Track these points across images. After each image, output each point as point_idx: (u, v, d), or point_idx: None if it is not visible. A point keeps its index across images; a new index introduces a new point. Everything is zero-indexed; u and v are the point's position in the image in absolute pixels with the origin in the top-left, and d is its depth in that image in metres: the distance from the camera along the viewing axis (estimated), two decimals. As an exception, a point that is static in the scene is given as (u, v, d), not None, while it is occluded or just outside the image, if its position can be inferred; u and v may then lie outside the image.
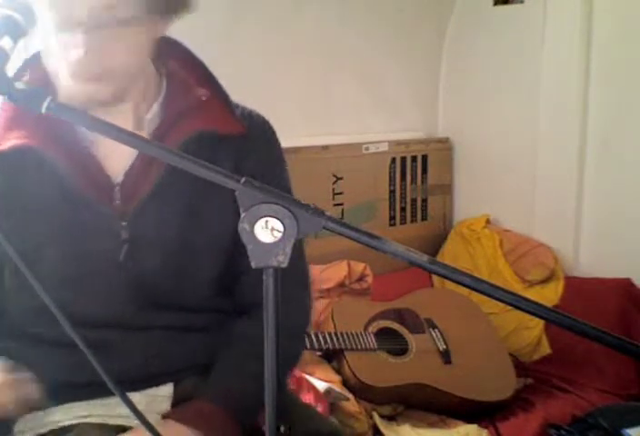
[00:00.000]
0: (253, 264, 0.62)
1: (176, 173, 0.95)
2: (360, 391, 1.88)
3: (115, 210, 1.03)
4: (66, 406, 1.04)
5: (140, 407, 1.01)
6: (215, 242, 1.07)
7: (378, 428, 1.84)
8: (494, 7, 2.65)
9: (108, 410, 1.03)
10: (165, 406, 1.06)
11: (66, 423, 1.03)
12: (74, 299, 1.02)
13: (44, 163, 0.99)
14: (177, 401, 1.07)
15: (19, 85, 0.70)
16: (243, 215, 0.62)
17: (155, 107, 1.06)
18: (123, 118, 1.03)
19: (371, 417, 1.87)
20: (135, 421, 1.03)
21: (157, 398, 1.07)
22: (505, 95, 2.66)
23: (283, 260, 0.62)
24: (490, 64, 2.69)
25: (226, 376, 1.06)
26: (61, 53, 0.93)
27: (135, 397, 1.04)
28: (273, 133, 1.15)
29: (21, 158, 0.99)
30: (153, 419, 1.03)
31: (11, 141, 0.98)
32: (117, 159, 1.04)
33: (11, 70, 1.04)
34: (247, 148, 1.09)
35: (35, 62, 1.03)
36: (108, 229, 1.02)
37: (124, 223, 1.02)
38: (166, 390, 1.08)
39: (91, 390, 0.99)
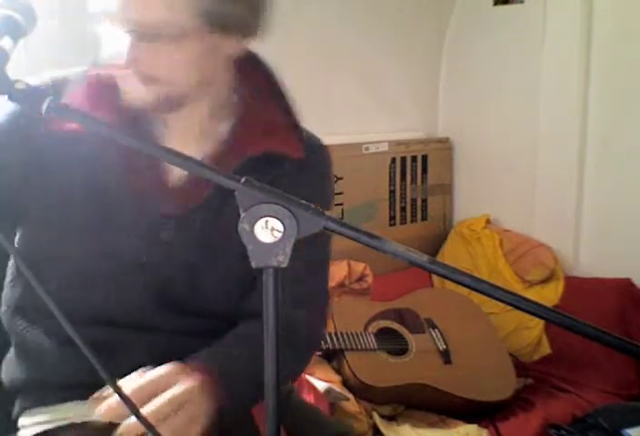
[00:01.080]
0: (253, 264, 0.62)
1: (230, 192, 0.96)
2: (360, 391, 1.88)
3: (160, 213, 1.02)
4: (72, 403, 1.04)
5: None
6: (242, 259, 1.07)
7: (378, 428, 1.84)
8: (494, 7, 2.65)
9: None
10: None
11: (75, 421, 1.03)
12: (91, 295, 1.02)
13: (107, 152, 0.97)
14: None
15: (19, 85, 0.70)
16: (243, 215, 0.62)
17: (225, 125, 1.06)
18: (184, 128, 1.04)
19: (371, 417, 1.87)
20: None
21: None
22: (505, 95, 2.66)
23: (283, 260, 0.62)
24: (490, 64, 2.69)
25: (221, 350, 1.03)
26: (116, 54, 0.93)
27: None
28: (327, 156, 1.16)
29: (75, 145, 0.97)
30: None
31: (70, 126, 0.95)
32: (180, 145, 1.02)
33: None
34: (304, 171, 1.09)
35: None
36: (147, 230, 1.02)
37: (166, 226, 1.02)
38: None
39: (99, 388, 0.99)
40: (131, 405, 0.70)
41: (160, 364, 1.05)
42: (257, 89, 1.09)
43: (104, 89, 0.99)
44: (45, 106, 0.69)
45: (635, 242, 2.39)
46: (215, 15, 0.93)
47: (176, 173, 1.03)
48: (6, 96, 0.73)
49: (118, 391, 0.69)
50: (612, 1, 2.39)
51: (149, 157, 0.99)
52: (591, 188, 2.50)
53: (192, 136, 1.05)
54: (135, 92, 0.95)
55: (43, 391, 1.05)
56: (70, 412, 1.04)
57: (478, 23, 2.70)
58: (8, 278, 1.09)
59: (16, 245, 1.02)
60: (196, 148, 1.04)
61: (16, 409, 1.09)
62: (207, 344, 1.06)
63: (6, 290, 1.09)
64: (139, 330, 1.04)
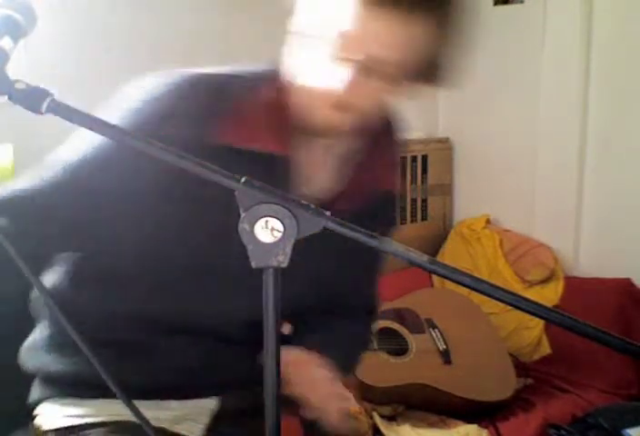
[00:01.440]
0: (253, 264, 0.62)
1: (360, 214, 0.99)
2: (360, 391, 1.88)
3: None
4: (106, 401, 1.03)
5: (176, 413, 1.04)
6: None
7: (378, 428, 1.84)
8: (494, 7, 2.65)
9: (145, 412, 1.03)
10: (206, 418, 1.07)
11: (99, 419, 1.03)
12: (161, 300, 1.02)
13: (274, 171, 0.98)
14: (220, 414, 1.08)
15: (19, 85, 0.70)
16: (243, 215, 0.62)
17: (357, 158, 1.09)
18: (324, 152, 1.06)
19: (371, 417, 1.87)
20: (176, 425, 1.04)
21: (199, 409, 1.07)
22: (505, 95, 2.66)
23: (283, 260, 0.62)
24: (490, 64, 2.69)
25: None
26: (324, 77, 0.94)
27: (172, 404, 1.05)
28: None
29: (257, 159, 0.97)
30: (189, 426, 1.06)
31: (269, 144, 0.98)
32: (314, 176, 1.05)
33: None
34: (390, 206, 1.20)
35: (268, 77, 1.04)
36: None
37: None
38: (212, 403, 1.08)
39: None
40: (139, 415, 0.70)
41: (204, 373, 1.06)
42: (389, 139, 1.18)
43: (280, 105, 1.00)
44: (44, 106, 0.69)
45: (635, 242, 2.39)
46: (433, 67, 0.99)
47: (311, 189, 1.06)
48: (6, 96, 0.73)
49: (130, 406, 0.68)
50: (612, 1, 2.39)
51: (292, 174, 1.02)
52: (591, 188, 2.51)
53: (324, 162, 1.07)
54: (326, 116, 0.96)
55: (75, 385, 1.04)
56: (101, 410, 1.04)
57: (478, 23, 2.69)
58: (68, 269, 1.08)
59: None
60: (329, 181, 1.07)
61: (35, 395, 1.08)
62: (254, 354, 1.06)
63: (64, 282, 1.07)
64: (190, 335, 1.04)
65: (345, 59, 0.91)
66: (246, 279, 0.98)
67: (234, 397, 1.09)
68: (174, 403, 1.05)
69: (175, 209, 0.97)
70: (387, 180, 1.14)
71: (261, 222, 0.61)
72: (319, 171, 1.07)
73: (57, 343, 1.07)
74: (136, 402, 1.01)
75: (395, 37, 0.91)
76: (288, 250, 0.61)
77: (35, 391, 1.09)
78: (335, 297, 1.13)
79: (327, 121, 0.96)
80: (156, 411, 1.02)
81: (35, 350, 1.09)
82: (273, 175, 0.92)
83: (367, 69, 0.92)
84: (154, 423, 1.01)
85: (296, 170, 1.03)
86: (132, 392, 0.95)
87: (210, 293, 1.02)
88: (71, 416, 1.04)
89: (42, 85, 0.70)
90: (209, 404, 1.08)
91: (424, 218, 2.80)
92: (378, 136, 1.11)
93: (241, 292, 1.00)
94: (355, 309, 1.21)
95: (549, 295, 2.45)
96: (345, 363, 1.12)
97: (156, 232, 0.98)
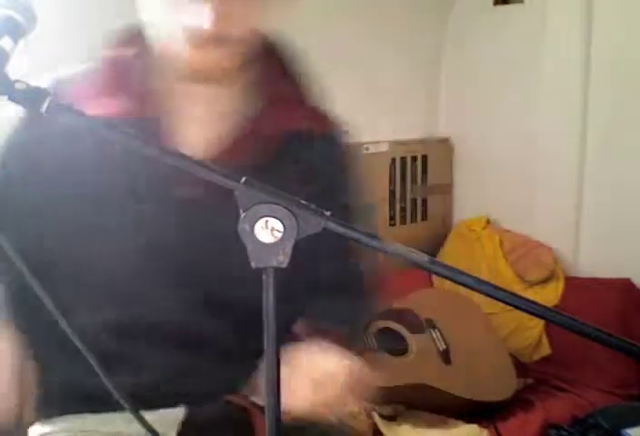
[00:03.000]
0: (253, 264, 0.62)
1: (279, 158, 0.97)
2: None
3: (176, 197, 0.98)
4: (71, 417, 1.02)
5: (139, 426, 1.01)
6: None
7: (378, 428, 1.84)
8: (494, 7, 2.65)
9: (113, 425, 1.00)
10: (172, 431, 1.01)
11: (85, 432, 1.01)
12: (119, 304, 0.98)
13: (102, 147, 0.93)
14: (188, 427, 1.02)
15: (19, 85, 0.70)
16: (243, 215, 0.62)
17: (253, 105, 1.03)
18: (211, 108, 1.01)
19: (371, 417, 1.87)
20: None
21: (164, 421, 1.00)
22: (505, 95, 2.66)
23: (283, 260, 0.61)
24: (490, 63, 2.69)
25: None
26: (183, 19, 0.89)
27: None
28: (346, 138, 1.16)
29: (80, 138, 0.91)
30: None
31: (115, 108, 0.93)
32: (200, 139, 1.00)
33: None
34: (327, 145, 1.09)
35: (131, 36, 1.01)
36: (167, 223, 0.98)
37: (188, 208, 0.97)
38: (176, 413, 1.02)
39: (97, 403, 0.95)
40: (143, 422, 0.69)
41: (172, 382, 1.01)
42: (282, 71, 1.07)
43: (119, 72, 0.97)
44: (45, 106, 0.68)
45: (635, 242, 2.39)
46: None
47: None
48: (6, 96, 0.73)
49: (131, 410, 0.68)
50: (612, 1, 2.39)
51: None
52: (591, 188, 2.51)
53: (212, 120, 1.01)
54: (200, 56, 0.91)
55: (39, 406, 1.03)
56: (65, 426, 1.02)
57: (478, 23, 2.70)
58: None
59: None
60: (227, 127, 1.01)
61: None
62: (228, 368, 1.02)
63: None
64: (158, 342, 1.00)
65: None
66: (190, 278, 0.97)
67: (202, 407, 1.03)
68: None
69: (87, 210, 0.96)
70: (295, 119, 1.03)
71: (261, 223, 0.61)
72: (203, 126, 1.01)
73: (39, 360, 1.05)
74: (101, 416, 0.99)
75: None
76: (288, 250, 0.61)
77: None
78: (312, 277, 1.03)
79: (202, 62, 0.92)
80: (121, 426, 0.98)
81: None
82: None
83: None
84: None
85: (170, 129, 0.98)
86: (97, 404, 0.93)
87: (155, 295, 0.98)
88: (49, 433, 1.02)
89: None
90: (177, 414, 1.02)
91: (424, 218, 2.80)
92: (265, 72, 1.04)
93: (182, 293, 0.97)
94: (343, 284, 1.12)
95: (549, 295, 2.45)
96: (351, 333, 1.07)
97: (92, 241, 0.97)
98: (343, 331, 1.02)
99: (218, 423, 1.03)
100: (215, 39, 0.89)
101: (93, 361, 0.68)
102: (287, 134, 1.01)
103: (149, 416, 1.01)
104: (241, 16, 0.90)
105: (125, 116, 0.91)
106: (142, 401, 1.00)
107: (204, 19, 0.87)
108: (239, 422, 1.03)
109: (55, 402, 1.03)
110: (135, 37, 1.00)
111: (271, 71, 1.05)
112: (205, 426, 1.02)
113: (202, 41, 0.89)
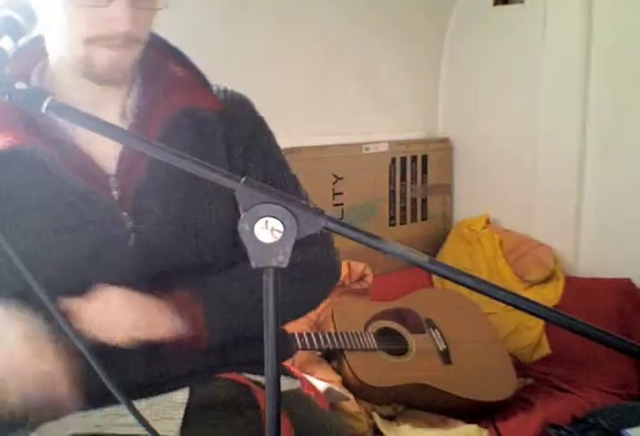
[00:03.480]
0: (253, 264, 0.62)
1: (174, 128, 1.03)
2: (360, 391, 1.88)
3: (115, 200, 1.03)
4: (81, 414, 1.02)
5: (148, 412, 1.01)
6: (219, 217, 1.09)
7: (378, 428, 1.84)
8: (494, 7, 2.65)
9: (117, 418, 1.02)
10: (179, 412, 1.04)
11: (79, 432, 1.02)
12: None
13: (34, 162, 0.98)
14: (193, 407, 1.05)
15: (19, 85, 0.70)
16: (243, 215, 0.62)
17: (135, 90, 1.09)
18: (114, 103, 1.07)
19: (371, 417, 1.87)
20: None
21: (170, 404, 1.05)
22: (505, 95, 2.66)
23: (283, 260, 0.62)
24: (490, 64, 2.69)
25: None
26: (95, 23, 0.94)
27: (142, 404, 1.02)
28: (252, 106, 1.18)
29: (10, 160, 0.98)
30: (165, 424, 1.03)
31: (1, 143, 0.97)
32: (105, 149, 1.05)
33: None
34: (231, 122, 1.12)
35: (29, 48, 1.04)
36: (112, 220, 1.02)
37: (125, 213, 1.02)
38: (180, 396, 1.06)
39: (106, 398, 0.97)
40: (139, 417, 0.70)
41: (164, 367, 1.04)
42: (160, 56, 1.12)
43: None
44: (44, 106, 0.69)
45: (635, 242, 2.39)
46: None
47: (107, 160, 1.04)
48: (6, 96, 0.73)
49: (129, 406, 0.68)
50: (612, 1, 2.39)
51: (77, 151, 1.02)
52: (591, 188, 2.51)
53: (117, 112, 1.07)
54: (111, 57, 0.97)
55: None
56: (78, 423, 1.02)
57: (478, 23, 2.70)
58: None
59: None
60: (120, 124, 1.05)
61: (28, 424, 1.06)
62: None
63: None
64: None
65: None
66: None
67: (202, 388, 1.07)
68: (143, 403, 1.03)
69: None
70: (179, 99, 1.08)
71: (261, 223, 0.61)
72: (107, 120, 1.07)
73: None
74: (106, 410, 1.02)
75: None
76: (288, 250, 0.61)
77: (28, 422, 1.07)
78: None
79: (112, 63, 0.98)
80: (129, 417, 0.98)
81: None
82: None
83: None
84: (129, 431, 1.00)
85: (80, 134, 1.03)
86: (99, 398, 0.95)
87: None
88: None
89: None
90: (179, 397, 1.06)
91: (424, 218, 2.80)
92: (152, 61, 1.09)
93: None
94: None
95: (549, 295, 2.45)
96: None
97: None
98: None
99: (222, 401, 1.06)
100: (127, 41, 0.97)
101: (91, 360, 0.68)
102: (177, 109, 1.06)
103: (158, 401, 1.03)
104: (146, 18, 0.99)
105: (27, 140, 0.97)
106: (144, 387, 1.02)
107: (119, 22, 0.94)
108: (243, 399, 1.07)
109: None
110: (33, 51, 1.04)
111: (159, 62, 1.11)
112: (210, 404, 1.06)
113: (115, 43, 0.96)
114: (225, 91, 1.15)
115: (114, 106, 1.07)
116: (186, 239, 1.06)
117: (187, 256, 1.06)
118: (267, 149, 1.17)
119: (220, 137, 1.10)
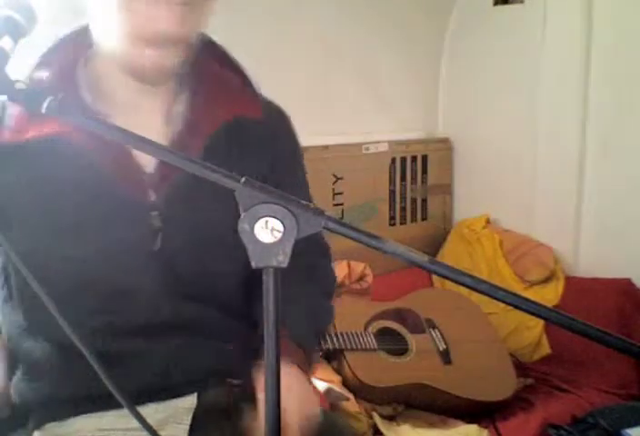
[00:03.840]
0: (253, 264, 0.62)
1: (221, 139, 1.02)
2: (360, 391, 1.88)
3: (147, 199, 1.02)
4: (85, 417, 1.02)
5: (158, 417, 1.02)
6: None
7: (378, 428, 1.84)
8: (494, 7, 2.65)
9: (129, 422, 1.01)
10: (187, 417, 1.04)
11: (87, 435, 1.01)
12: (101, 304, 1.00)
13: (74, 152, 0.97)
14: (200, 412, 1.05)
15: (19, 85, 0.70)
16: (243, 215, 0.62)
17: (183, 95, 1.07)
18: (158, 106, 1.05)
19: (371, 417, 1.87)
20: (161, 431, 1.01)
21: (179, 409, 1.05)
22: (505, 95, 2.66)
23: (283, 260, 0.61)
24: (490, 64, 2.69)
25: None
26: (141, 22, 0.92)
27: (151, 408, 1.02)
28: (290, 119, 1.19)
29: (51, 148, 0.97)
30: (173, 429, 1.03)
31: (41, 130, 0.96)
32: (146, 125, 1.02)
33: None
34: (274, 134, 1.13)
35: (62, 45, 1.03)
36: (141, 219, 1.01)
37: (155, 213, 1.01)
38: (189, 401, 1.06)
39: (110, 401, 0.98)
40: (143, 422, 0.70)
41: (178, 371, 1.04)
42: (208, 58, 1.10)
43: (66, 81, 0.99)
44: (44, 106, 0.69)
45: (635, 242, 2.39)
46: None
47: (146, 158, 1.02)
48: (6, 96, 0.73)
49: (129, 407, 0.68)
50: (612, 1, 2.39)
51: (118, 147, 1.00)
52: (591, 188, 2.51)
53: (161, 116, 1.05)
54: (156, 56, 0.95)
55: (53, 407, 1.03)
56: (82, 426, 1.02)
57: (478, 23, 2.70)
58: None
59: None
60: (165, 129, 1.05)
61: (31, 425, 1.06)
62: (224, 348, 1.07)
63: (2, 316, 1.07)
64: (154, 335, 1.02)
65: None
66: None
67: (211, 393, 1.07)
68: (152, 407, 1.03)
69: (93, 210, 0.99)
70: (235, 105, 1.08)
71: (261, 223, 0.61)
72: (153, 123, 1.04)
73: (28, 368, 1.06)
74: (114, 413, 1.01)
75: None
76: (288, 250, 0.61)
77: (30, 421, 1.06)
78: None
79: (157, 62, 0.96)
80: (134, 422, 1.00)
81: (15, 383, 1.07)
82: None
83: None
84: (137, 433, 0.98)
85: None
86: (108, 402, 0.93)
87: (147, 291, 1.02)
88: None
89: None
90: (187, 403, 1.05)
91: (424, 218, 2.80)
92: (200, 64, 1.08)
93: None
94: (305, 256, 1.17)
95: (549, 295, 2.45)
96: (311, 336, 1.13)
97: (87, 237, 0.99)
98: (305, 346, 1.09)
99: (227, 405, 1.07)
100: (173, 40, 0.94)
101: (93, 362, 0.68)
102: (227, 120, 1.06)
103: (165, 407, 1.04)
104: (194, 19, 0.96)
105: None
106: (154, 392, 1.02)
107: (166, 21, 0.92)
108: (251, 402, 1.06)
109: (68, 402, 1.03)
110: (79, 43, 1.02)
111: (208, 64, 1.10)
112: (216, 408, 1.06)
113: (160, 42, 0.94)
114: (267, 101, 1.15)
115: (158, 109, 1.05)
116: (212, 246, 1.05)
117: (211, 264, 1.05)
118: (302, 166, 1.20)
119: (265, 150, 1.11)
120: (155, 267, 1.02)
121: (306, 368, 1.06)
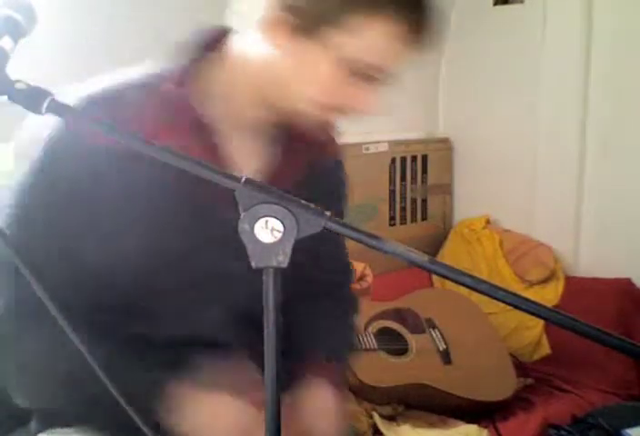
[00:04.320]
0: (253, 264, 0.62)
1: (303, 185, 1.00)
2: (360, 391, 1.88)
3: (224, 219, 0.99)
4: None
5: None
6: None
7: (378, 428, 1.84)
8: (494, 7, 2.65)
9: None
10: None
11: None
12: (186, 320, 0.99)
13: (159, 168, 0.88)
14: None
15: (19, 85, 0.70)
16: (243, 215, 0.62)
17: (269, 140, 1.06)
18: (263, 143, 1.05)
19: (371, 417, 1.87)
20: None
21: None
22: (505, 95, 2.66)
23: (283, 260, 0.61)
24: (490, 64, 2.69)
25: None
26: (342, 99, 0.98)
27: None
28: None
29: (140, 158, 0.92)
30: None
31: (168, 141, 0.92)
32: (244, 163, 1.01)
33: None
34: (343, 172, 1.18)
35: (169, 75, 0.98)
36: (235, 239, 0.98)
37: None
38: None
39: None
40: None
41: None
42: None
43: (179, 105, 0.95)
44: (44, 106, 0.68)
45: (635, 242, 2.39)
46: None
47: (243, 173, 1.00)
48: (6, 96, 0.73)
49: (132, 411, 0.67)
50: (612, 1, 2.39)
51: (220, 160, 0.97)
52: (591, 188, 2.51)
53: (266, 150, 1.05)
54: (318, 117, 0.99)
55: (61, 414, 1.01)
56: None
57: (478, 23, 2.70)
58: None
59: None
60: (257, 165, 1.04)
61: (34, 426, 1.05)
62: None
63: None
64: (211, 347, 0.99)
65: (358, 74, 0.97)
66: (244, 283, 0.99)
67: None
68: None
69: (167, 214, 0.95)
70: (324, 149, 1.11)
71: (261, 223, 0.61)
72: (249, 156, 1.03)
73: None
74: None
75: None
76: (288, 250, 0.61)
77: (32, 423, 1.05)
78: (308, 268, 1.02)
79: (317, 119, 0.99)
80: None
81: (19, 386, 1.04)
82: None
83: (369, 77, 0.99)
84: None
85: (223, 160, 0.98)
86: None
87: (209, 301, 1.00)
88: None
89: (42, 85, 0.70)
90: None
91: (424, 218, 2.80)
92: None
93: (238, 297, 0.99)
94: (333, 275, 1.21)
95: (549, 295, 2.45)
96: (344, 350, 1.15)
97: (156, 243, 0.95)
98: (338, 364, 1.10)
99: None
100: (346, 109, 1.02)
101: (95, 366, 0.68)
102: (309, 169, 1.07)
103: None
104: (371, 94, 1.04)
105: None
106: None
107: (364, 103, 1.03)
108: None
109: (68, 411, 1.01)
110: (180, 70, 0.98)
111: None
112: None
113: (347, 115, 1.02)
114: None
115: (255, 155, 1.04)
116: (307, 268, 1.00)
117: (301, 287, 1.01)
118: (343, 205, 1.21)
119: (340, 189, 1.15)
120: (241, 290, 0.95)
121: (342, 386, 1.08)
